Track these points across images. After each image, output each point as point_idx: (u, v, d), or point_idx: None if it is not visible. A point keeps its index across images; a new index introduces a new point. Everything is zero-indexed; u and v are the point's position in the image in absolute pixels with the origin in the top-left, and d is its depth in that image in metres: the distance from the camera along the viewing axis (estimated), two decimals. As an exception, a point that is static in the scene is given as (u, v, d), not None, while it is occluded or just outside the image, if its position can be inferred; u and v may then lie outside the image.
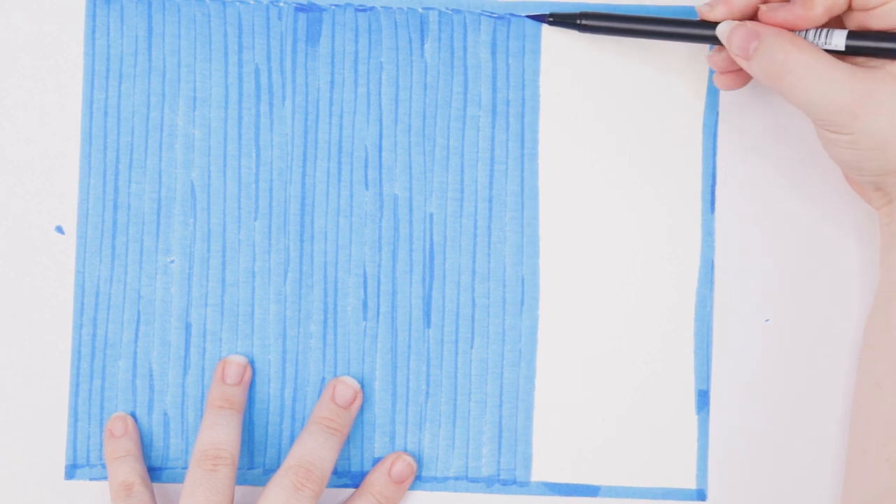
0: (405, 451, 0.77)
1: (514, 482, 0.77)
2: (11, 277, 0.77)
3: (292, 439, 0.76)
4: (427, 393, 0.77)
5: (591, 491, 0.77)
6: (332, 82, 0.77)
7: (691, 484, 0.77)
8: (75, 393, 0.77)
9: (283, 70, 0.77)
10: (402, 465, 0.76)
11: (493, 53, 0.77)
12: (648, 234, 0.77)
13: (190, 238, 0.77)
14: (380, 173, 0.77)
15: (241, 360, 0.76)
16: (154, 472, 0.77)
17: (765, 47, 0.69)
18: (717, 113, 0.77)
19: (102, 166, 0.77)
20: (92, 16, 0.77)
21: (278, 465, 0.76)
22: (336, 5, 0.77)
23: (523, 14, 0.77)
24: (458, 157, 0.77)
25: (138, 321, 0.77)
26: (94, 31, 0.77)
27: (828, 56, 0.69)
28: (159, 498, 0.76)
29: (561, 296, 0.77)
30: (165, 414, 0.77)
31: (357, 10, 0.77)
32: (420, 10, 0.77)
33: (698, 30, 0.72)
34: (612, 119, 0.77)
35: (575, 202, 0.77)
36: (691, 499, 0.76)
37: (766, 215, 0.77)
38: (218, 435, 0.73)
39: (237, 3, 0.77)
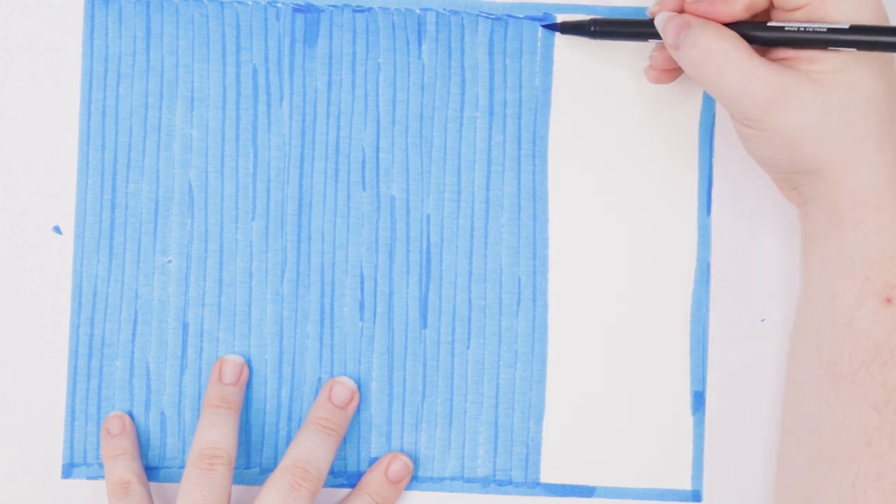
0: (401, 451, 0.77)
1: (510, 483, 0.77)
2: (9, 277, 0.77)
3: (289, 439, 0.76)
4: (423, 394, 0.77)
5: (587, 492, 0.77)
6: (329, 83, 0.77)
7: (687, 485, 0.77)
8: (72, 392, 0.77)
9: (281, 71, 0.77)
10: (398, 464, 0.76)
11: (491, 55, 0.77)
12: (644, 236, 0.77)
13: (187, 238, 0.77)
14: (377, 174, 0.77)
15: (238, 359, 0.76)
16: (151, 472, 0.77)
17: (691, 36, 0.70)
18: (714, 114, 0.77)
19: (100, 166, 0.77)
20: (90, 16, 0.77)
21: (275, 464, 0.76)
22: (334, 6, 0.77)
23: (524, 17, 0.77)
24: (456, 158, 0.77)
25: (135, 321, 0.77)
26: (92, 32, 0.77)
27: (749, 49, 0.69)
28: (156, 497, 0.76)
29: (557, 297, 0.77)
30: (162, 413, 0.77)
31: (355, 10, 0.77)
32: (418, 10, 0.77)
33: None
34: (609, 121, 0.77)
35: (571, 204, 0.77)
36: (687, 500, 0.77)
37: (762, 217, 0.77)
38: (214, 434, 0.73)
39: (235, 4, 0.77)
